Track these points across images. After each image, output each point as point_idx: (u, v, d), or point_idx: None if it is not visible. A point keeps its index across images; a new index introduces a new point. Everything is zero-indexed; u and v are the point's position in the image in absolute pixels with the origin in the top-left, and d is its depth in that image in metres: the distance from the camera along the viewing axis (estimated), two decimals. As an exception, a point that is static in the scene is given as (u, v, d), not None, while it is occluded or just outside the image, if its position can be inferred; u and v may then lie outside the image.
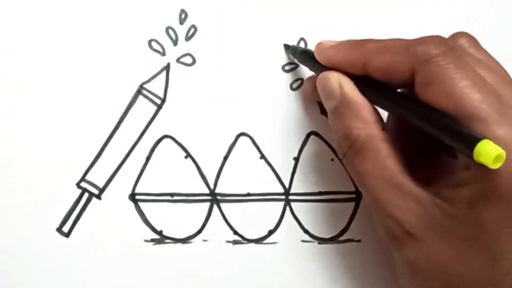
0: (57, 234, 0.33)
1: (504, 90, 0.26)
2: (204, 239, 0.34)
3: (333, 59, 0.29)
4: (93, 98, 0.33)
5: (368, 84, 0.28)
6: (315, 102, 0.34)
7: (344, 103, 0.28)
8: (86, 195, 0.33)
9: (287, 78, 0.35)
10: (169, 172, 0.34)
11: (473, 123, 0.24)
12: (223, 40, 0.34)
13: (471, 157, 0.23)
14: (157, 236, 0.34)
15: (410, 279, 0.27)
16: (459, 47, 0.28)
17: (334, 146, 0.33)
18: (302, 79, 0.35)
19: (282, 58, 0.35)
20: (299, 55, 0.33)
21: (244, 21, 0.35)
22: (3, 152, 0.33)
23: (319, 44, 0.31)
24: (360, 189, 0.28)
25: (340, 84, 0.28)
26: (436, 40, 0.26)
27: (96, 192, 0.33)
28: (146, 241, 0.34)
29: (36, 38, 0.33)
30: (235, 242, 0.34)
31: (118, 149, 0.34)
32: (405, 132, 0.30)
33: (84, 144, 0.33)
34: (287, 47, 0.34)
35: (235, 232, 0.34)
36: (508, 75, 0.28)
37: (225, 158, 0.34)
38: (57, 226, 0.33)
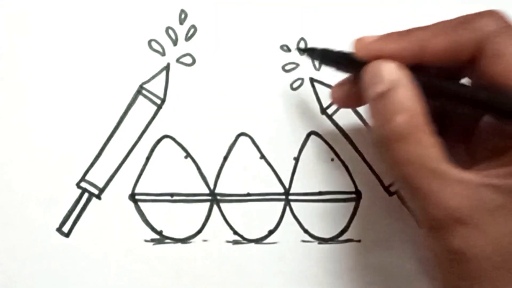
0: (57, 234, 0.33)
1: None
2: (204, 239, 0.34)
3: (383, 51, 0.28)
4: (93, 98, 0.33)
5: (421, 72, 0.27)
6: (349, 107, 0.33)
7: (395, 88, 0.27)
8: (86, 195, 0.33)
9: (287, 78, 0.35)
10: (169, 172, 0.34)
11: None
12: (223, 40, 0.34)
13: None
14: (157, 236, 0.34)
15: (456, 270, 0.26)
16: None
17: (372, 133, 0.30)
18: (302, 79, 0.35)
19: (282, 58, 0.35)
20: (321, 57, 0.31)
21: (244, 21, 0.35)
22: (3, 152, 0.33)
23: (360, 40, 0.29)
24: (398, 178, 0.27)
25: (395, 71, 0.27)
26: (495, 14, 0.26)
27: (96, 192, 0.33)
28: (146, 241, 0.34)
29: (37, 38, 0.33)
30: (235, 242, 0.34)
31: (118, 149, 0.34)
32: (444, 124, 0.30)
33: (84, 144, 0.33)
34: (301, 50, 0.33)
35: (235, 232, 0.34)
36: None
37: (225, 158, 0.34)
38: (57, 226, 0.33)
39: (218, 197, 0.34)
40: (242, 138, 0.34)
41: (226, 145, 0.34)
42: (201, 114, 0.34)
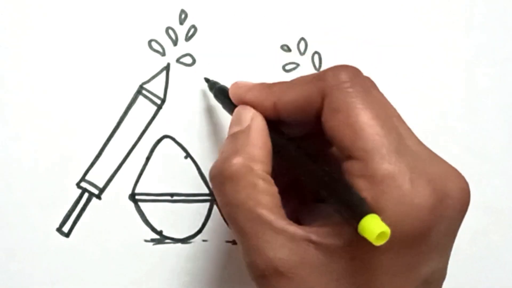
0: (57, 234, 0.33)
1: (404, 131, 0.26)
2: (204, 239, 0.34)
3: (244, 98, 0.29)
4: (93, 98, 0.33)
5: (275, 129, 0.28)
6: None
7: (245, 131, 0.27)
8: (86, 195, 0.33)
9: (287, 78, 0.35)
10: (169, 172, 0.34)
11: (371, 157, 0.24)
12: (223, 40, 0.34)
13: (356, 230, 0.22)
14: (157, 236, 0.34)
15: None
16: (367, 79, 0.27)
17: (210, 169, 0.29)
18: (302, 79, 0.35)
19: (282, 58, 0.35)
20: (215, 91, 0.32)
21: (244, 21, 0.35)
22: (3, 152, 0.32)
23: (234, 84, 0.30)
24: (228, 221, 0.27)
25: (252, 117, 0.28)
26: (348, 68, 0.26)
27: (96, 192, 0.33)
28: (146, 241, 0.34)
29: (37, 38, 0.33)
30: (235, 242, 0.34)
31: (118, 149, 0.34)
32: (278, 173, 0.29)
33: (84, 144, 0.33)
34: (207, 80, 0.34)
35: (235, 232, 0.34)
36: (406, 122, 0.27)
37: (225, 158, 0.34)
38: (57, 226, 0.33)
39: (218, 197, 0.34)
40: (242, 138, 0.34)
41: (226, 145, 0.34)
42: (201, 114, 0.34)
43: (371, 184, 0.24)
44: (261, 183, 0.26)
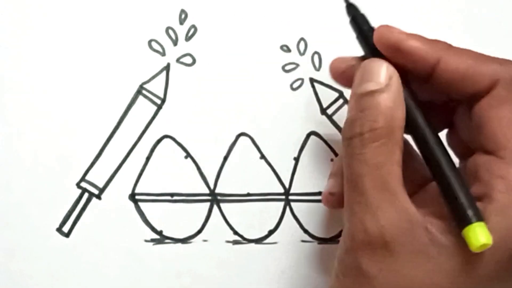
0: (57, 234, 0.33)
1: None
2: (204, 239, 0.34)
3: (404, 44, 0.26)
4: (93, 98, 0.33)
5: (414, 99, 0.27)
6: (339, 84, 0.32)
7: (384, 91, 0.26)
8: (86, 195, 0.33)
9: (287, 78, 0.35)
10: (169, 172, 0.34)
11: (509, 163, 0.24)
12: (223, 40, 0.34)
13: (461, 230, 0.23)
14: (157, 236, 0.34)
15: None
16: None
17: (346, 126, 0.27)
18: (302, 79, 0.35)
19: (282, 58, 0.35)
20: (354, 18, 0.30)
21: (244, 21, 0.35)
22: (3, 152, 0.32)
23: (386, 26, 0.27)
24: (353, 180, 0.26)
25: (391, 75, 0.26)
26: None
27: (96, 192, 0.33)
28: (146, 241, 0.34)
29: (37, 38, 0.33)
30: (235, 242, 0.34)
31: (118, 149, 0.34)
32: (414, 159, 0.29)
33: (84, 144, 0.33)
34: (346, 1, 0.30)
35: (235, 232, 0.34)
36: None
37: (225, 158, 0.34)
38: (57, 226, 0.33)
39: (218, 197, 0.34)
40: (242, 138, 0.34)
41: (226, 145, 0.34)
42: (201, 114, 0.34)
43: (505, 189, 0.23)
44: (398, 152, 0.25)
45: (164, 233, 0.34)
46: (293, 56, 0.35)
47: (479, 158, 0.25)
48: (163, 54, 0.34)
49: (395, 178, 0.25)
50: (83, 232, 0.33)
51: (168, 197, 0.34)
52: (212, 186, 0.34)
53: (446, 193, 0.24)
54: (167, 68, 0.34)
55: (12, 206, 0.32)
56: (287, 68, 0.35)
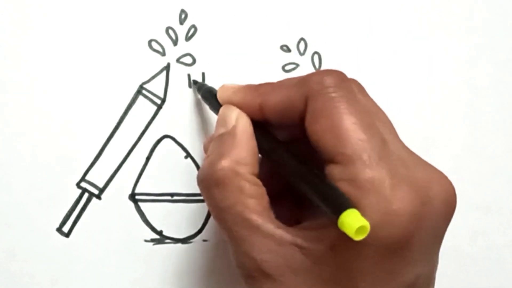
0: (57, 234, 0.33)
1: (389, 136, 0.26)
2: (204, 239, 0.34)
3: (231, 100, 0.29)
4: (93, 98, 0.33)
5: (260, 129, 0.28)
6: None
7: (230, 133, 0.27)
8: (86, 195, 0.33)
9: (287, 78, 0.35)
10: (169, 172, 0.34)
11: (352, 162, 0.24)
12: (223, 40, 0.34)
13: (336, 225, 0.22)
14: (157, 236, 0.34)
15: None
16: (354, 83, 0.27)
17: (198, 173, 0.28)
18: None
19: (282, 58, 0.35)
20: (203, 92, 0.33)
21: (244, 21, 0.35)
22: (3, 152, 0.32)
23: (221, 86, 0.30)
24: (217, 224, 0.27)
25: (237, 118, 0.28)
26: (332, 73, 0.26)
27: (96, 192, 0.33)
28: (146, 241, 0.34)
29: (37, 38, 0.33)
30: (235, 242, 0.34)
31: (118, 149, 0.34)
32: (274, 174, 0.29)
33: (84, 144, 0.33)
34: (195, 82, 0.34)
35: (235, 232, 0.34)
36: (393, 127, 0.27)
37: (225, 158, 0.34)
38: (57, 226, 0.33)
39: (218, 197, 0.34)
40: (242, 138, 0.34)
41: (226, 145, 0.34)
42: (201, 114, 0.34)
43: (351, 189, 0.24)
44: (247, 186, 0.26)
45: (164, 233, 0.34)
46: (293, 56, 0.35)
47: (326, 170, 0.25)
48: (163, 54, 0.34)
49: (251, 211, 0.25)
50: (83, 232, 0.33)
51: (168, 197, 0.34)
52: (212, 186, 0.34)
53: (312, 195, 0.24)
54: (167, 68, 0.34)
55: (12, 206, 0.32)
56: (287, 68, 0.35)
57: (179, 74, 0.34)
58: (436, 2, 0.37)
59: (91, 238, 0.33)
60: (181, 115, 0.34)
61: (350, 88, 0.26)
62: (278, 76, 0.35)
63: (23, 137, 0.33)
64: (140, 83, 0.34)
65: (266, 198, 0.26)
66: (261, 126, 0.28)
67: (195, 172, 0.34)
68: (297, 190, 0.26)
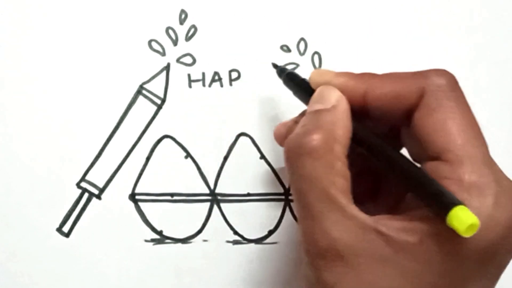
0: (57, 234, 0.33)
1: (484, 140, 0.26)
2: (204, 239, 0.34)
3: (332, 83, 0.28)
4: (93, 98, 0.33)
5: (358, 118, 0.28)
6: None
7: (330, 111, 0.27)
8: (86, 195, 0.33)
9: (287, 78, 0.35)
10: (169, 172, 0.34)
11: (461, 162, 0.24)
12: (223, 40, 0.34)
13: (443, 220, 0.22)
14: (157, 236, 0.34)
15: None
16: (461, 88, 0.27)
17: (288, 140, 0.28)
18: (302, 79, 0.35)
19: (282, 58, 0.35)
20: (285, 77, 0.32)
21: (244, 21, 0.35)
22: (3, 152, 0.33)
23: (316, 70, 0.30)
24: (297, 195, 0.26)
25: (338, 99, 0.28)
26: (448, 73, 0.27)
27: (96, 192, 0.33)
28: (146, 241, 0.34)
29: (37, 38, 0.33)
30: (235, 242, 0.34)
31: (118, 149, 0.34)
32: (360, 166, 0.29)
33: (84, 144, 0.33)
34: (275, 66, 0.34)
35: (235, 232, 0.34)
36: None
37: (225, 158, 0.34)
38: (57, 226, 0.33)
39: (218, 197, 0.34)
40: (242, 138, 0.34)
41: (226, 145, 0.34)
42: (201, 114, 0.34)
43: (456, 188, 0.24)
44: (338, 165, 0.25)
45: (164, 233, 0.34)
46: (293, 56, 0.35)
47: (426, 166, 0.26)
48: (163, 54, 0.34)
49: (337, 189, 0.25)
50: (83, 232, 0.33)
51: (168, 197, 0.34)
52: (212, 186, 0.34)
53: (417, 189, 0.24)
54: (167, 68, 0.34)
55: (12, 206, 0.32)
56: (287, 68, 0.35)
57: (179, 74, 0.34)
58: (436, 2, 0.37)
59: (91, 238, 0.33)
60: (181, 115, 0.34)
61: (461, 91, 0.26)
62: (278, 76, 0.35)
63: (23, 137, 0.33)
64: (140, 83, 0.34)
65: (349, 182, 0.26)
66: (354, 114, 0.28)
67: (195, 172, 0.34)
68: (395, 180, 0.26)
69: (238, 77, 0.35)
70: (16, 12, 0.33)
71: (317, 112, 0.27)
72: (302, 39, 0.35)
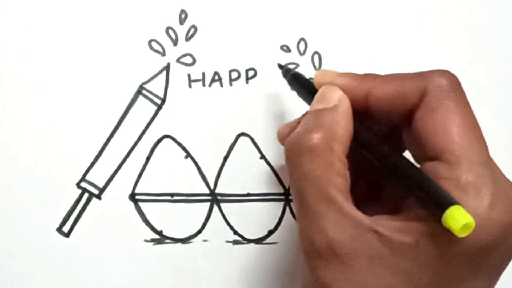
0: (57, 234, 0.33)
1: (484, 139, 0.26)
2: (204, 239, 0.34)
3: (335, 83, 0.29)
4: (93, 98, 0.33)
5: (360, 118, 0.28)
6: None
7: (331, 110, 0.27)
8: (86, 195, 0.33)
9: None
10: (169, 172, 0.34)
11: (459, 163, 0.24)
12: (223, 40, 0.34)
13: (439, 220, 0.22)
14: (157, 236, 0.34)
15: None
16: (463, 89, 0.27)
17: (288, 139, 0.28)
18: (302, 79, 0.35)
19: (282, 58, 0.35)
20: (290, 78, 0.32)
21: (244, 21, 0.35)
22: (3, 152, 0.33)
23: (320, 71, 0.30)
24: (296, 193, 0.26)
25: (340, 98, 0.28)
26: (450, 73, 0.27)
27: (96, 192, 0.33)
28: (146, 241, 0.34)
29: (37, 38, 0.33)
30: (235, 242, 0.34)
31: (118, 149, 0.34)
32: (362, 166, 0.29)
33: (84, 144, 0.33)
34: (280, 66, 0.34)
35: (235, 232, 0.34)
36: None
37: (225, 158, 0.34)
38: (57, 226, 0.33)
39: (218, 197, 0.34)
40: (242, 138, 0.34)
41: (226, 145, 0.34)
42: (201, 114, 0.34)
43: (453, 188, 0.24)
44: (338, 164, 0.26)
45: (164, 233, 0.34)
46: (293, 56, 0.35)
47: (425, 166, 0.26)
48: (163, 54, 0.34)
49: (336, 188, 0.25)
50: (83, 232, 0.33)
51: (168, 197, 0.34)
52: (212, 186, 0.34)
53: (413, 188, 0.24)
54: (167, 68, 0.34)
55: (12, 206, 0.32)
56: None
57: (179, 74, 0.34)
58: (436, 2, 0.37)
59: (91, 238, 0.33)
60: (181, 115, 0.34)
61: (463, 92, 0.26)
62: (278, 76, 0.35)
63: (23, 137, 0.33)
64: (140, 83, 0.34)
65: (349, 181, 0.26)
66: (356, 115, 0.28)
67: (195, 172, 0.34)
68: (388, 182, 0.27)
69: (238, 77, 0.35)
70: (17, 13, 0.33)
71: (319, 111, 0.28)
72: (302, 39, 0.35)
